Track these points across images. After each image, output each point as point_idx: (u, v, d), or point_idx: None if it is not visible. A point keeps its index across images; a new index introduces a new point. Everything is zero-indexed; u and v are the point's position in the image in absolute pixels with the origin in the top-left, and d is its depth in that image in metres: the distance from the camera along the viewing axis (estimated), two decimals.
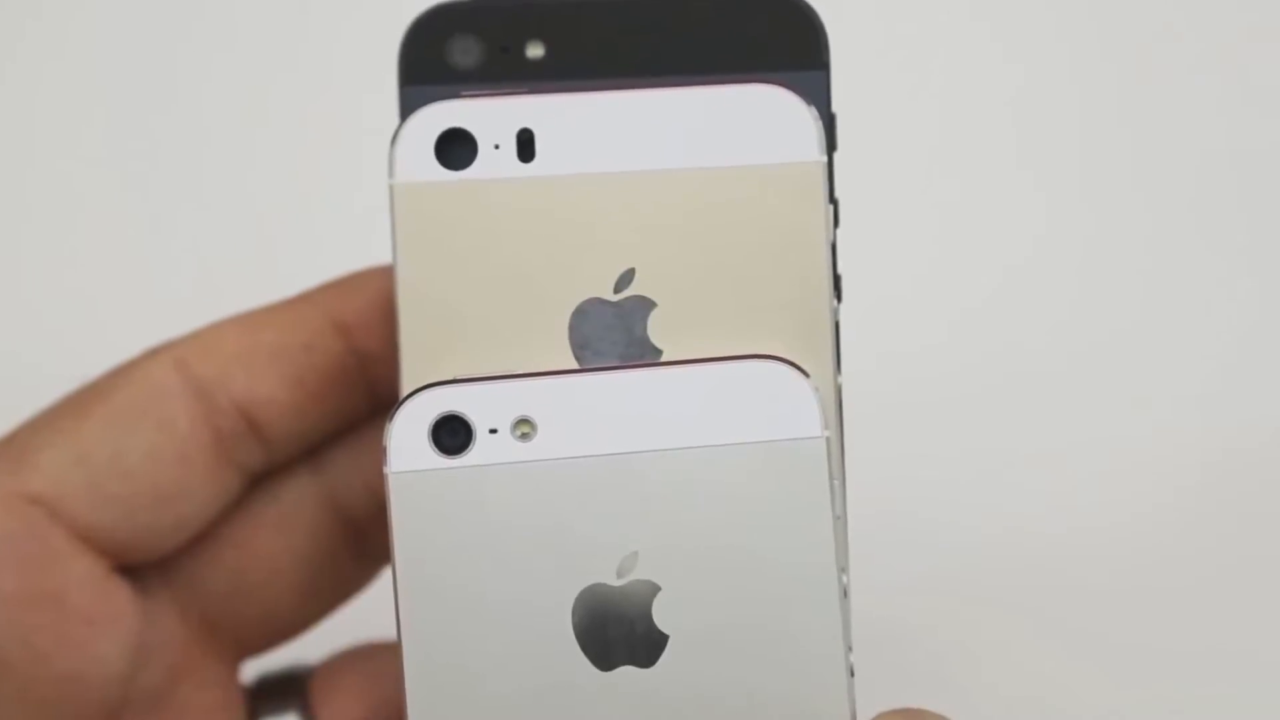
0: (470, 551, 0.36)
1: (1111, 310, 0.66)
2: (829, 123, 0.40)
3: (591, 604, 0.36)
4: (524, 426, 0.36)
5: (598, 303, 0.39)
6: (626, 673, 0.36)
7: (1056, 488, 0.62)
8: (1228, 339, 0.66)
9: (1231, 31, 0.67)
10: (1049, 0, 0.68)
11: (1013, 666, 0.55)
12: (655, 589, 0.36)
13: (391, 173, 0.39)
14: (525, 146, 0.39)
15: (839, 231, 0.39)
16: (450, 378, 0.37)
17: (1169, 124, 0.67)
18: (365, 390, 0.43)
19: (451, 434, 0.36)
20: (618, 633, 0.36)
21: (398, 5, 0.41)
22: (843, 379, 0.39)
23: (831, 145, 0.39)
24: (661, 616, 0.36)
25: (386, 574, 0.42)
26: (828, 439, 0.36)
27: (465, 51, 0.41)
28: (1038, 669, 0.55)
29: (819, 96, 0.40)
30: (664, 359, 0.39)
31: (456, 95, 0.39)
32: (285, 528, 0.43)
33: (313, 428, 0.43)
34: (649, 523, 0.36)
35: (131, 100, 0.65)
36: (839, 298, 0.39)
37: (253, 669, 0.45)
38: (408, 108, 0.40)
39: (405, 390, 0.38)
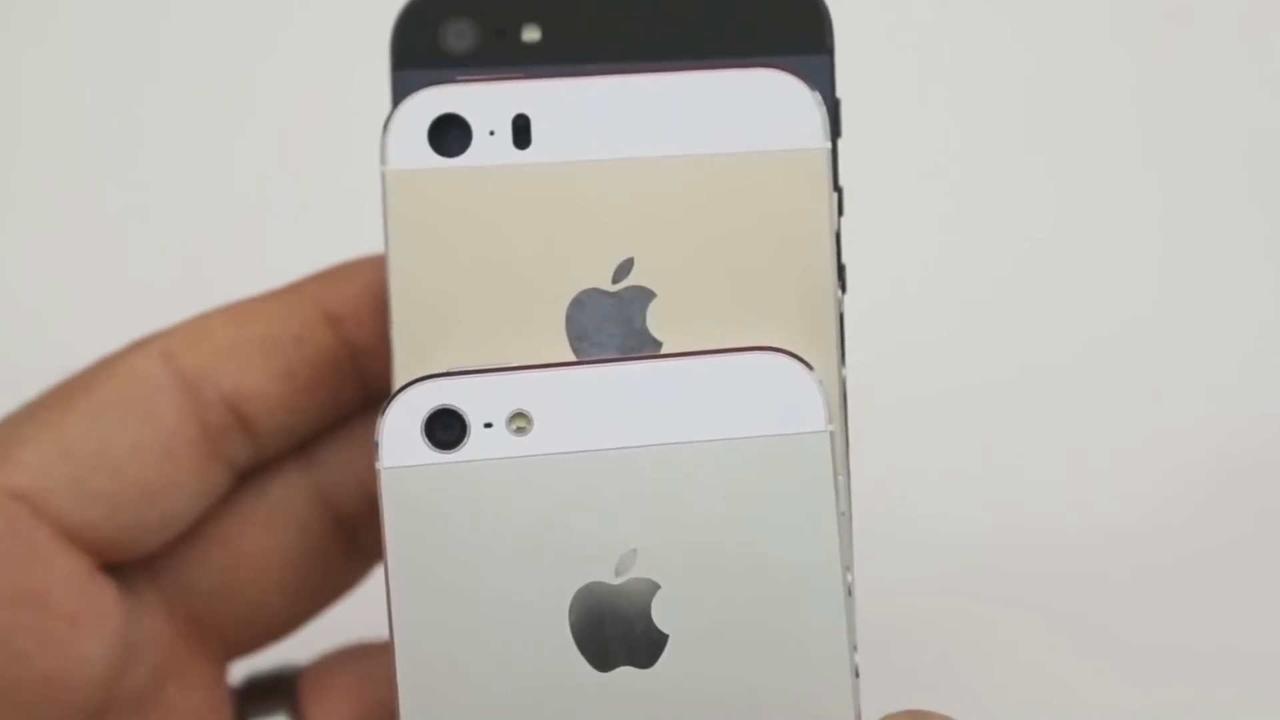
0: (464, 549, 0.36)
1: (1123, 301, 0.66)
2: (833, 108, 0.40)
3: (589, 603, 0.36)
4: (520, 420, 0.36)
5: (595, 293, 0.39)
6: (625, 673, 0.36)
7: (1067, 483, 0.62)
8: (1242, 331, 0.66)
9: (1246, 14, 0.67)
10: None
11: (1021, 666, 0.54)
12: (654, 587, 0.36)
13: (384, 159, 0.39)
14: (521, 133, 0.39)
15: (843, 220, 0.39)
16: (444, 370, 0.37)
17: (1182, 110, 0.67)
18: (356, 383, 0.43)
19: (445, 428, 0.36)
20: (616, 632, 0.36)
21: None
22: (847, 371, 0.39)
23: (836, 132, 0.39)
24: (661, 615, 0.36)
25: (378, 572, 0.43)
26: (832, 433, 0.36)
27: (460, 35, 0.41)
28: (1047, 668, 0.54)
29: (823, 81, 0.40)
30: (664, 351, 0.39)
31: (451, 80, 0.39)
32: (274, 524, 0.43)
33: (303, 422, 0.43)
34: (648, 519, 0.36)
35: (115, 86, 0.65)
36: (843, 288, 0.39)
37: (241, 670, 0.45)
38: (400, 93, 0.40)
39: (398, 383, 0.38)
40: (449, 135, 0.39)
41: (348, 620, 0.46)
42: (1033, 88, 0.65)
